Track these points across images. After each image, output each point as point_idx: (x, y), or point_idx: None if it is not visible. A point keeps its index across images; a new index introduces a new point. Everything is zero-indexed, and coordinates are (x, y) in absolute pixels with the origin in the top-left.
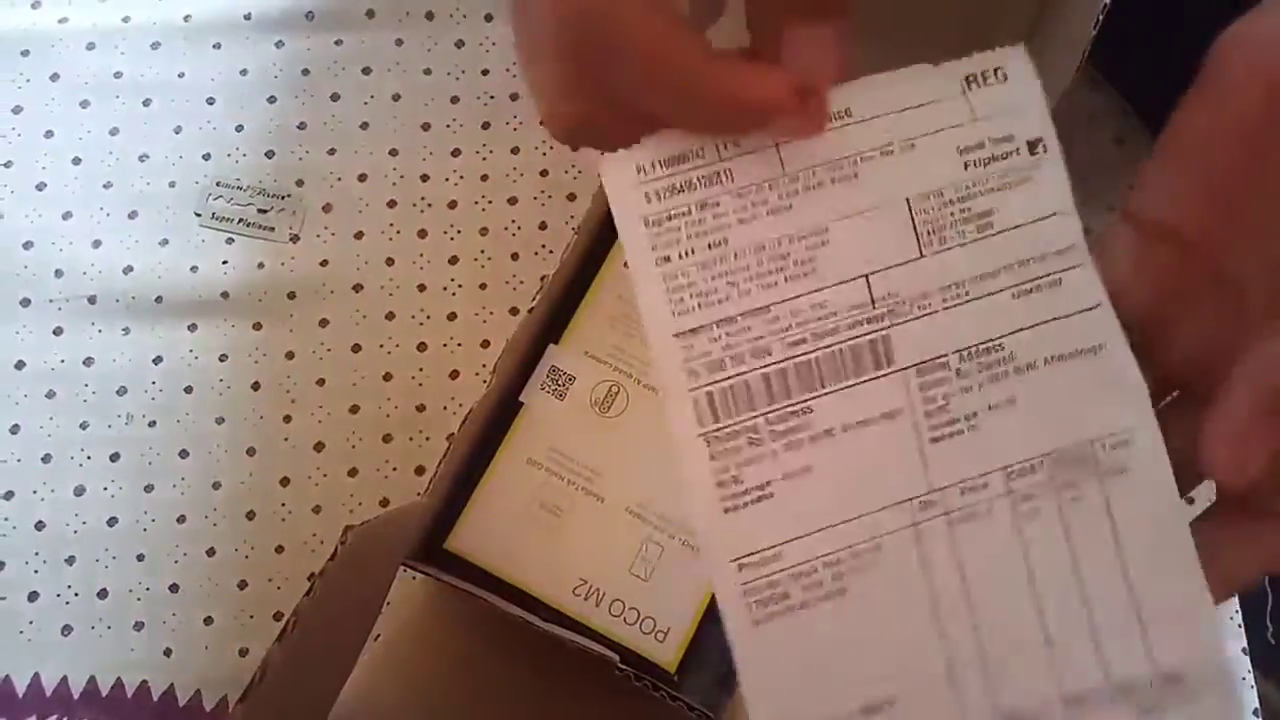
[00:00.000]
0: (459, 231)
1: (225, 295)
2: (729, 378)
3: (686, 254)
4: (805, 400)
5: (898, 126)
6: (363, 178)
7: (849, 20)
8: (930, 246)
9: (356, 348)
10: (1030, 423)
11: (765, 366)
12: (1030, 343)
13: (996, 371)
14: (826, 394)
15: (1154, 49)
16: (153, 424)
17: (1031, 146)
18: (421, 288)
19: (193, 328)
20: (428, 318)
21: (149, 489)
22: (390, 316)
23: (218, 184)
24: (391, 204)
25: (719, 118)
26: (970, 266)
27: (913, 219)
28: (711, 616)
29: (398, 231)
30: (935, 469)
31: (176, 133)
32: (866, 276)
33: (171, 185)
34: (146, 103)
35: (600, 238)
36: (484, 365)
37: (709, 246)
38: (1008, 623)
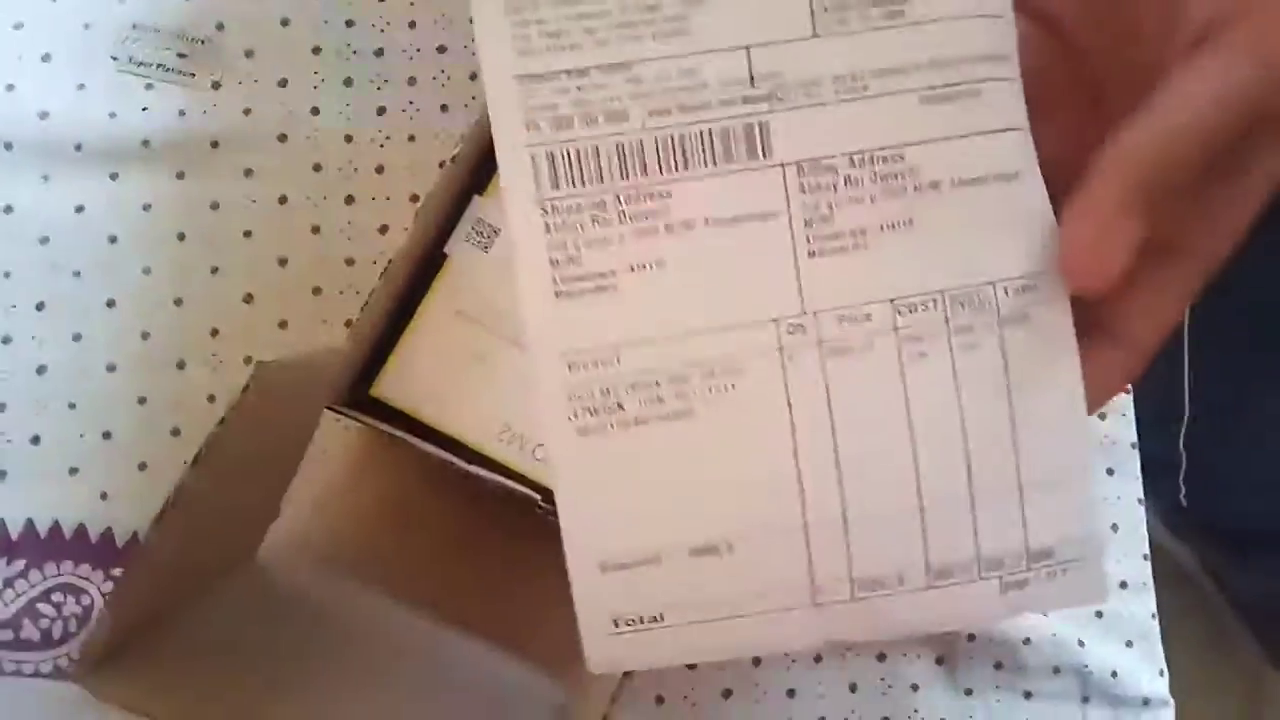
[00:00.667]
0: (386, 81)
1: (146, 143)
2: (576, 139)
3: None
4: (665, 181)
5: None
6: (285, 22)
7: None
8: (827, 26)
9: (283, 199)
10: (928, 251)
11: (620, 134)
12: (936, 157)
13: (894, 185)
14: (690, 179)
15: None
16: (77, 274)
17: None
18: (348, 139)
19: (114, 176)
20: (355, 170)
21: (77, 338)
22: (317, 168)
23: (134, 26)
24: (316, 50)
25: None
26: (873, 57)
27: None
28: None
29: (322, 80)
30: (812, 288)
31: None
32: (748, 49)
33: (87, 27)
34: None
35: None
36: (413, 219)
37: None
38: (878, 478)
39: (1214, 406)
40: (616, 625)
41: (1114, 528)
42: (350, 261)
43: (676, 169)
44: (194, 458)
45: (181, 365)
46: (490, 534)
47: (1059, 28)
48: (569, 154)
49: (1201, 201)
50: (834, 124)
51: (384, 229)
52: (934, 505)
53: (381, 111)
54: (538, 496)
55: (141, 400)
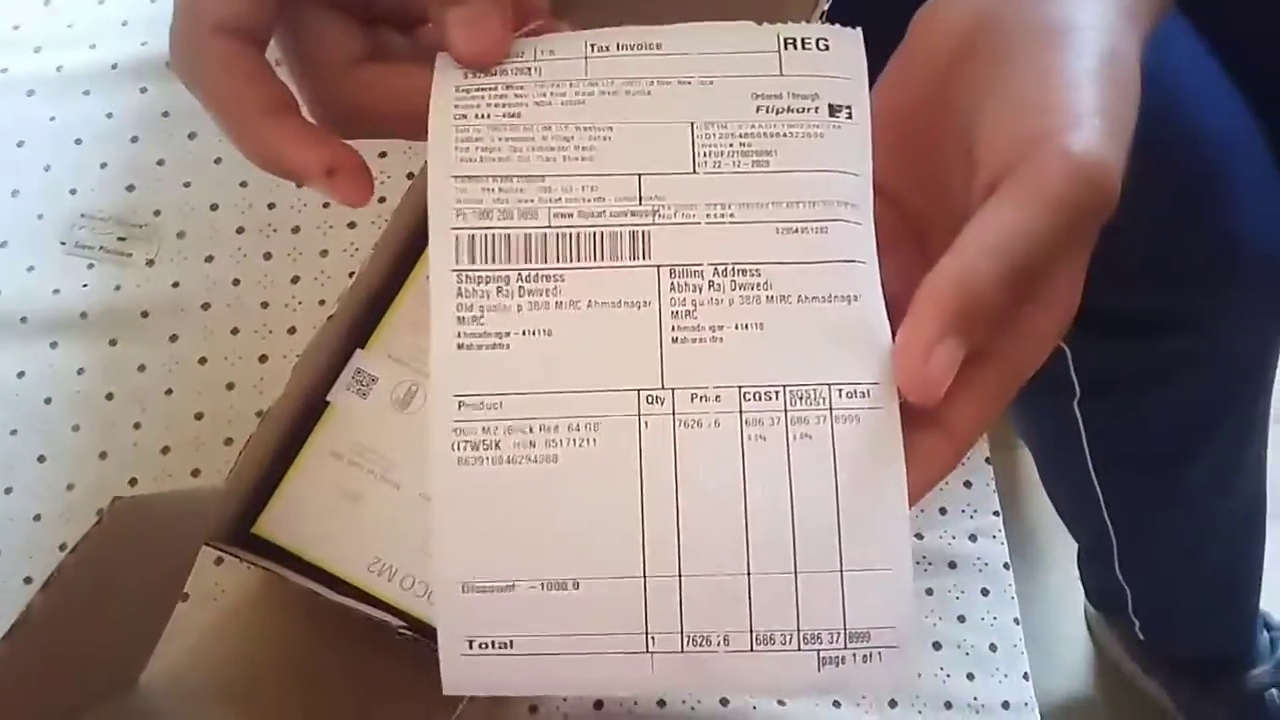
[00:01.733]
0: (301, 254)
1: (84, 315)
2: (493, 228)
3: (481, 116)
4: (560, 268)
5: (700, 64)
6: (214, 207)
7: None
8: (704, 166)
9: (203, 360)
10: (775, 351)
11: (529, 227)
12: (788, 276)
13: (749, 294)
14: (581, 268)
15: None
16: (14, 432)
17: (833, 110)
18: (265, 305)
19: (54, 345)
20: (270, 332)
21: (9, 491)
22: (235, 331)
23: (82, 215)
24: (240, 230)
25: (269, 170)
26: (738, 192)
27: (693, 139)
28: None
29: (244, 255)
30: (672, 368)
31: (46, 170)
32: (639, 175)
33: (40, 218)
34: (20, 144)
35: (401, 255)
36: (292, 371)
37: (504, 115)
38: (713, 542)
39: (1135, 532)
40: (470, 646)
41: (992, 648)
42: (260, 414)
43: (571, 259)
44: (45, 582)
45: (101, 513)
46: (371, 668)
47: (889, 195)
48: (486, 238)
49: (1014, 315)
50: (704, 239)
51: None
52: (761, 575)
53: (296, 280)
54: (398, 622)
55: (62, 547)
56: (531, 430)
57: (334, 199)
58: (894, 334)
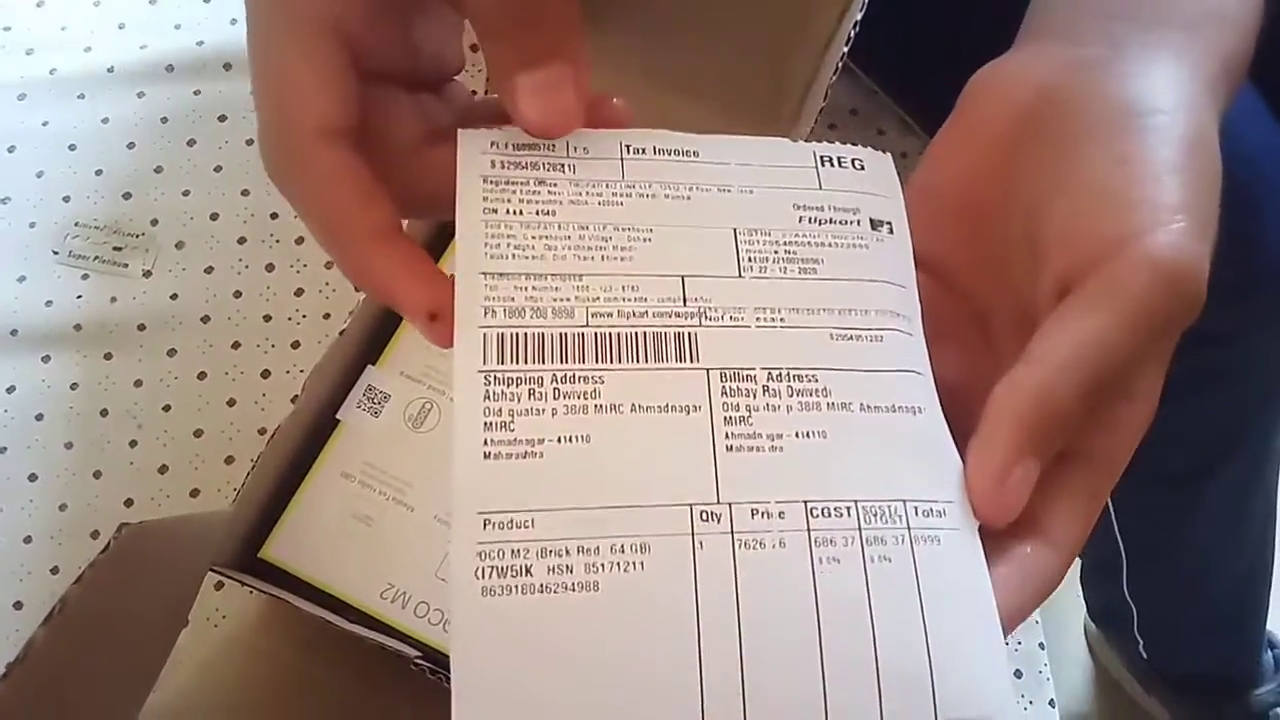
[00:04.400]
0: (305, 265)
1: (78, 328)
2: (526, 326)
3: (514, 212)
4: (599, 369)
5: (738, 174)
6: (214, 216)
7: (583, 60)
8: (750, 271)
9: (203, 375)
10: (841, 463)
11: (565, 326)
12: (846, 384)
13: (808, 400)
14: (622, 369)
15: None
16: (4, 449)
17: (875, 224)
18: (267, 318)
19: (46, 359)
20: (272, 346)
21: None
22: (236, 345)
23: (76, 224)
24: (241, 240)
25: (368, 292)
26: (788, 298)
27: (736, 245)
28: None
29: (246, 266)
30: (728, 480)
31: (39, 177)
32: (683, 277)
33: (32, 226)
34: (11, 149)
35: None
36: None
37: (537, 212)
38: (783, 679)
39: (1146, 550)
40: None
41: (1017, 674)
42: (263, 431)
43: (611, 360)
44: (47, 616)
45: (95, 535)
46: (378, 697)
47: (945, 274)
48: (517, 336)
49: (1098, 417)
50: (754, 343)
51: (297, 399)
52: (839, 717)
53: (299, 293)
54: (414, 653)
55: (54, 570)
56: (568, 553)
57: (424, 337)
58: (953, 432)
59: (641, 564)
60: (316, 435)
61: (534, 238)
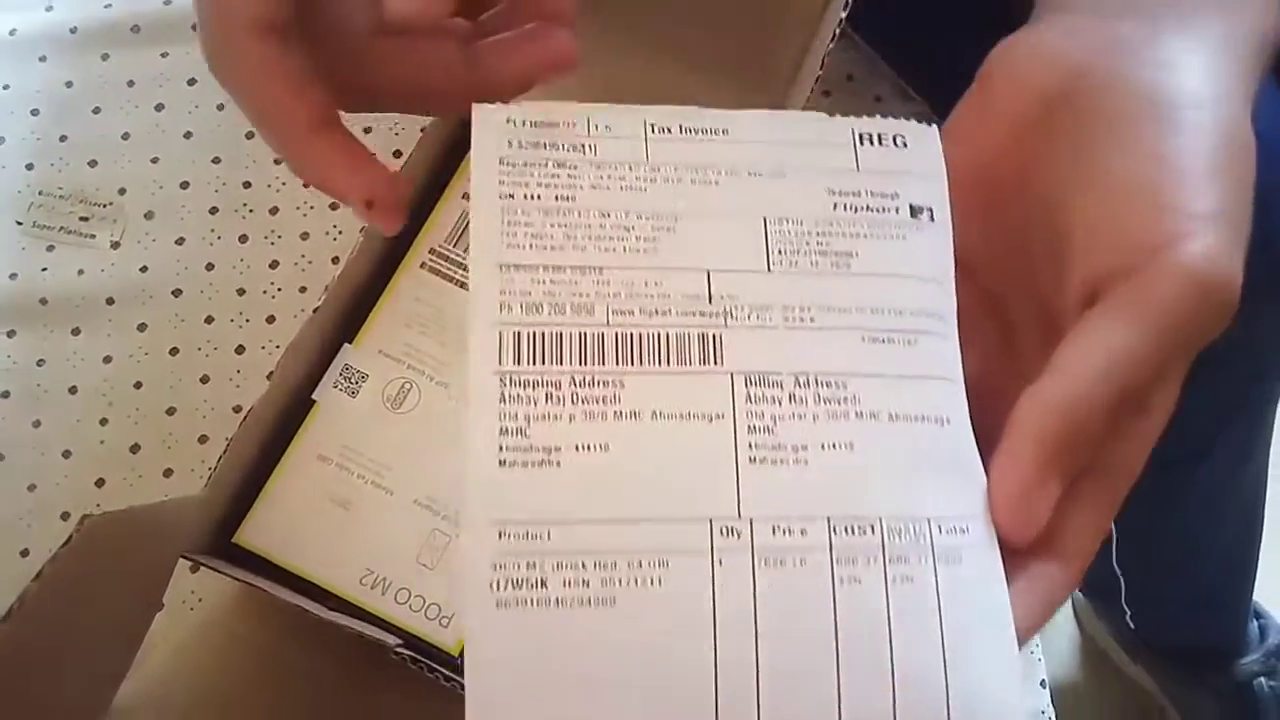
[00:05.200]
0: (280, 237)
1: (44, 301)
2: (543, 324)
3: (531, 197)
4: (620, 372)
5: (770, 154)
6: (185, 185)
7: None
8: (779, 265)
9: (174, 351)
10: (867, 476)
11: (584, 324)
12: (876, 390)
13: (836, 409)
14: (644, 373)
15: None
16: None
17: (914, 210)
18: (241, 291)
19: (11, 334)
20: (247, 321)
21: None
22: (209, 320)
23: (40, 193)
24: (213, 210)
25: (310, 183)
26: (818, 295)
27: (766, 235)
28: None
29: (219, 237)
30: (750, 493)
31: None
32: (708, 271)
33: None
34: None
35: (392, 240)
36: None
37: (556, 198)
38: (799, 701)
39: (1134, 526)
40: None
41: None
42: (238, 409)
43: (632, 362)
44: (6, 612)
45: (65, 516)
46: (358, 684)
47: (961, 259)
48: (534, 335)
49: (1116, 430)
50: (782, 345)
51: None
52: None
53: (274, 265)
54: (395, 641)
55: (24, 553)
56: (585, 567)
57: (365, 221)
58: (977, 432)
59: (659, 579)
60: (291, 417)
61: (553, 226)
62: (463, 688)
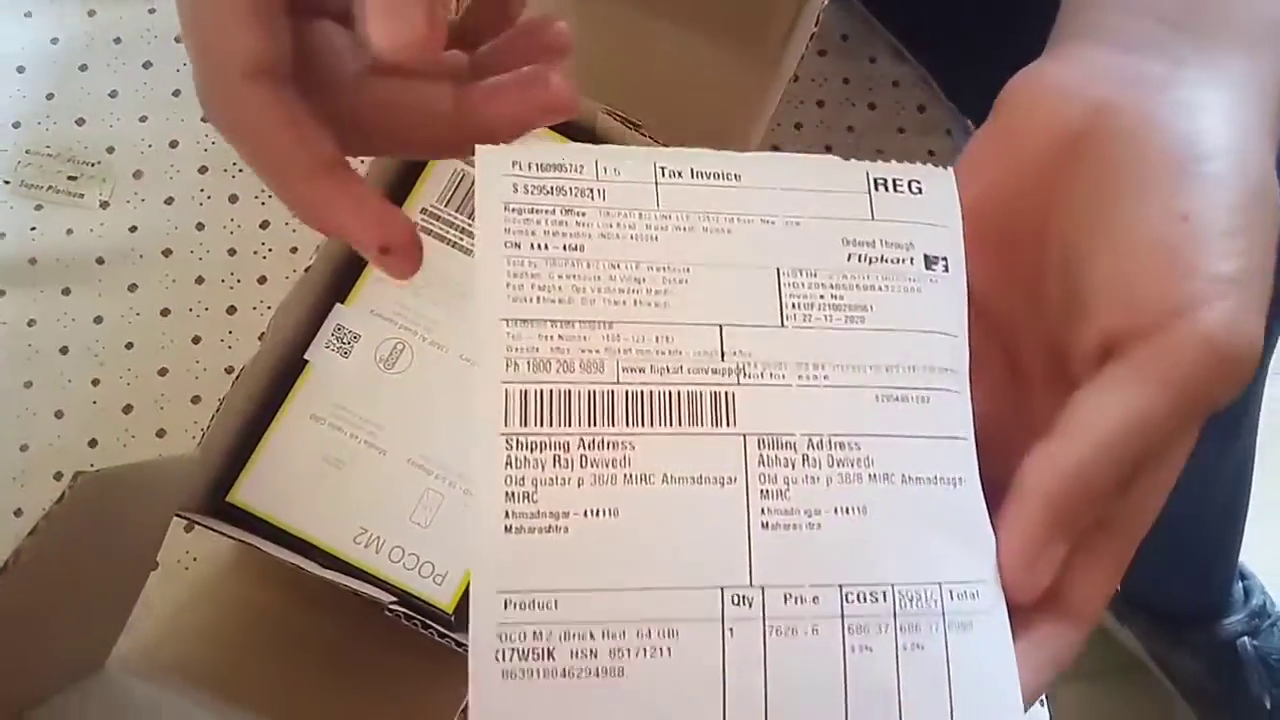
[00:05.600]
0: (270, 196)
1: (33, 261)
2: (551, 382)
3: (538, 247)
4: (630, 433)
5: (783, 202)
6: (174, 144)
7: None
8: (793, 319)
9: (165, 311)
10: (880, 541)
11: (594, 382)
12: (889, 451)
13: (849, 471)
14: (655, 434)
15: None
16: None
17: (929, 261)
18: (232, 252)
19: (1, 294)
20: (238, 281)
21: None
22: (200, 280)
23: (27, 152)
24: (203, 170)
25: (316, 229)
26: (832, 352)
27: (779, 288)
28: None
29: (209, 197)
30: (762, 561)
31: None
32: (720, 326)
33: None
34: None
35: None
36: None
37: (564, 247)
38: None
39: None
40: None
41: None
42: (230, 370)
43: (643, 423)
44: (0, 568)
45: (58, 476)
46: (353, 643)
47: (981, 303)
48: (542, 394)
49: (1126, 489)
50: (795, 405)
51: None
52: None
53: (265, 225)
54: (389, 598)
55: (17, 513)
56: (593, 637)
57: (380, 269)
58: (982, 467)
59: (669, 650)
60: (284, 377)
61: (561, 277)
62: (457, 644)
